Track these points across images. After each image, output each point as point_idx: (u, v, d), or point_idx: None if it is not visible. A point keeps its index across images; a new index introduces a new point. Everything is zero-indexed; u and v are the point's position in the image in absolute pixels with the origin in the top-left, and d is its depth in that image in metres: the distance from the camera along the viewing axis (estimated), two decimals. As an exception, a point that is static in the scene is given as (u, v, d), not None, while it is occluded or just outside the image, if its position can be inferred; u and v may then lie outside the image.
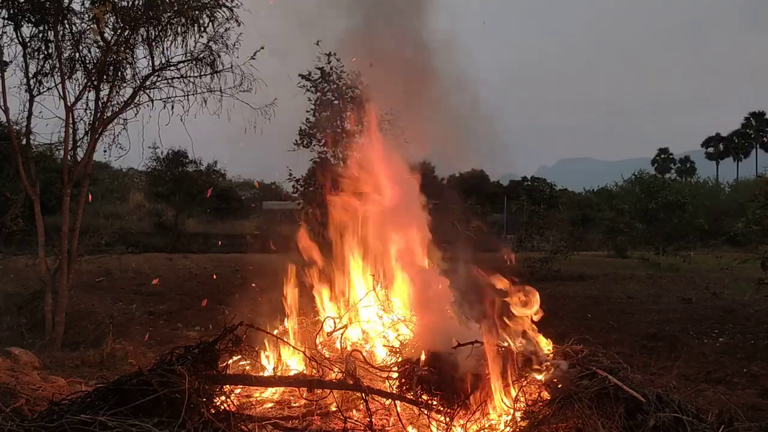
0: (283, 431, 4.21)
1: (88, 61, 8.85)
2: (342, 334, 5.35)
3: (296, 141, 14.44)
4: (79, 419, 3.52)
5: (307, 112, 14.30)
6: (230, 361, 4.81)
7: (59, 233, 8.90)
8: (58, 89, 8.74)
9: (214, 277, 16.69)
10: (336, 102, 14.11)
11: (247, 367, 5.04)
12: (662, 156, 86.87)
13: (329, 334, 5.52)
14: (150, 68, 8.99)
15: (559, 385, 4.11)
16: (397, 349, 5.23)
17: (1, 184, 12.74)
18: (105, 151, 9.19)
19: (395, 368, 4.85)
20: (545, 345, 5.09)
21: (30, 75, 8.70)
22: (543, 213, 24.18)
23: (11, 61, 8.57)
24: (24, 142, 9.00)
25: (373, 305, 5.81)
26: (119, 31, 8.70)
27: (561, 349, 4.92)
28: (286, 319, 5.61)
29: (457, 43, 6.65)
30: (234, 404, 4.32)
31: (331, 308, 5.87)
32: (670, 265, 24.41)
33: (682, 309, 13.13)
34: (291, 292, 5.76)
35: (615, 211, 32.09)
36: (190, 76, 9.15)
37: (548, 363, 4.50)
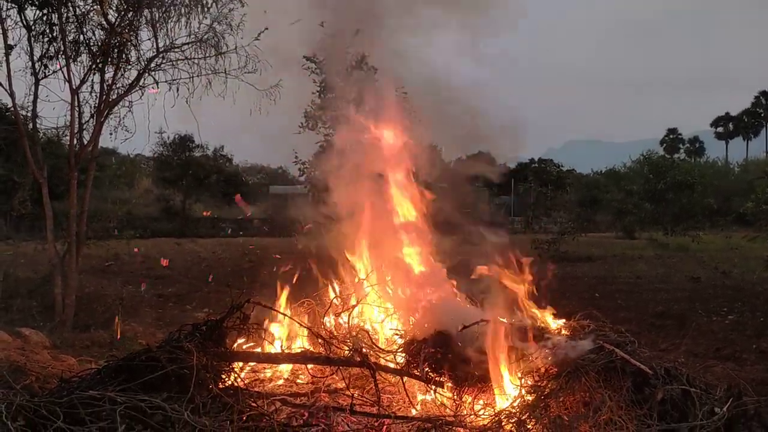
0: (291, 407, 4.23)
1: (92, 44, 8.81)
2: (349, 314, 5.36)
3: (302, 123, 14.40)
4: (89, 395, 3.54)
5: (313, 94, 14.23)
6: (238, 343, 4.84)
7: (67, 218, 8.94)
8: (63, 72, 8.73)
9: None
10: (341, 84, 14.05)
11: (257, 349, 5.06)
12: (671, 136, 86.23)
13: (337, 314, 5.53)
14: (154, 50, 8.95)
15: (566, 360, 4.10)
16: (403, 331, 5.23)
17: (9, 169, 12.82)
18: (111, 134, 9.19)
19: (402, 348, 4.86)
20: (552, 321, 5.09)
21: (35, 58, 8.68)
22: (550, 194, 24.08)
23: (16, 45, 8.55)
24: (30, 126, 9.02)
25: (379, 287, 5.79)
26: (123, 12, 8.66)
27: (568, 324, 4.92)
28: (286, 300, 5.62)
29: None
30: (242, 381, 4.34)
31: (339, 289, 5.87)
32: (678, 245, 24.33)
33: (690, 288, 13.09)
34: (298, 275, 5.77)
35: (623, 192, 31.92)
36: (194, 58, 9.10)
37: (555, 338, 4.50)
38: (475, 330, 4.54)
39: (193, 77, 9.10)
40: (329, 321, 5.54)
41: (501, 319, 4.63)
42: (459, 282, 5.63)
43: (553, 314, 5.26)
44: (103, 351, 6.74)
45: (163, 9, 8.72)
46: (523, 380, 4.19)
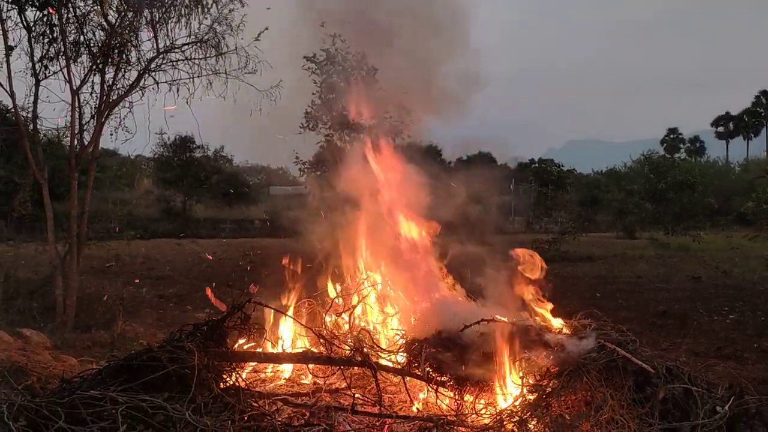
0: (293, 407, 4.22)
1: (92, 45, 8.81)
2: (351, 314, 5.35)
3: (302, 124, 14.43)
4: (90, 395, 3.54)
5: (313, 94, 14.26)
6: (239, 343, 4.83)
7: (68, 219, 8.94)
8: (63, 73, 8.73)
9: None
10: (342, 84, 14.07)
11: (259, 349, 5.06)
12: (671, 136, 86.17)
13: (338, 314, 5.53)
14: (155, 51, 8.96)
15: (568, 358, 4.10)
16: (404, 331, 5.22)
17: (9, 170, 12.83)
18: (111, 135, 9.19)
19: (403, 348, 4.86)
20: (553, 320, 5.09)
21: (35, 59, 8.68)
22: (551, 194, 24.06)
23: (16, 46, 8.55)
24: (31, 127, 9.02)
25: (380, 288, 5.79)
26: (123, 13, 8.67)
27: (570, 324, 4.92)
28: (292, 300, 5.61)
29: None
30: (244, 381, 4.34)
31: (339, 290, 5.86)
32: (679, 244, 24.34)
33: (691, 287, 13.09)
34: (299, 275, 5.76)
35: (624, 192, 31.91)
36: (194, 59, 9.11)
37: (557, 337, 4.49)
38: (476, 329, 4.54)
39: (193, 78, 9.12)
40: (330, 320, 5.54)
41: (502, 318, 4.64)
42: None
43: (552, 311, 5.25)
44: (103, 351, 6.74)
45: (163, 9, 8.72)
46: (524, 379, 4.18)
